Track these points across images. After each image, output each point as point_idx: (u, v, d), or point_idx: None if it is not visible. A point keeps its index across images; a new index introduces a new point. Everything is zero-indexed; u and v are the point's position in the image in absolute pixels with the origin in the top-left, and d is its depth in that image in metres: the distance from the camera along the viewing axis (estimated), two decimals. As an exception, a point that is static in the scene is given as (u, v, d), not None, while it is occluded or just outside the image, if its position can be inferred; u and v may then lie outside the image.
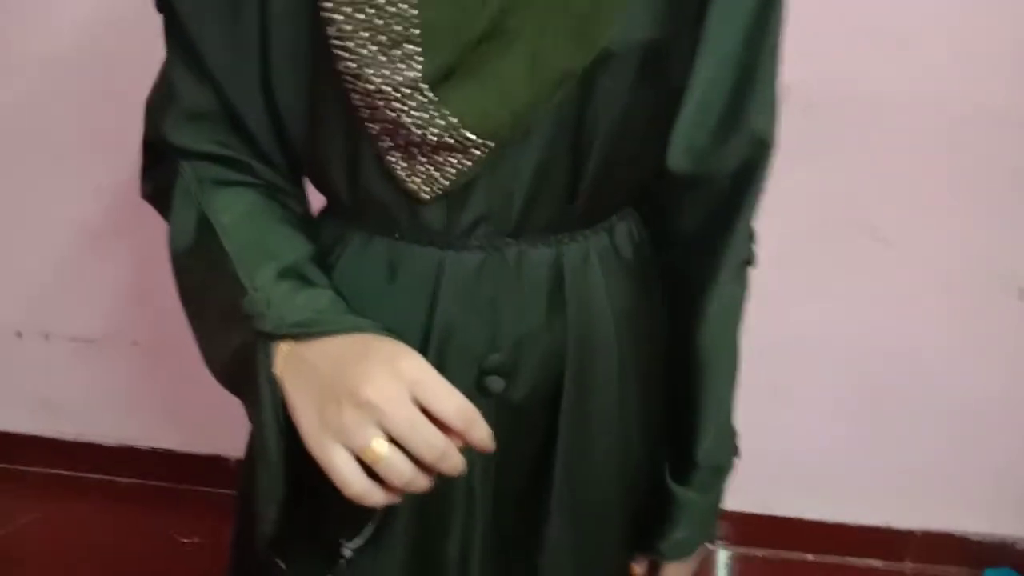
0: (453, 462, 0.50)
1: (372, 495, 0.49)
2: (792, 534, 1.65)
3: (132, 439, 1.76)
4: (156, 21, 0.62)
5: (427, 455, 0.48)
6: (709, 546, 1.67)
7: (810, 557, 1.67)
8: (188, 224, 0.61)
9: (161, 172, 0.65)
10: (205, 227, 0.60)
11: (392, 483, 0.49)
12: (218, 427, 1.53)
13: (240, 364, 0.55)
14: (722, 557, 1.68)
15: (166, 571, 1.61)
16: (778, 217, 1.39)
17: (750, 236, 0.68)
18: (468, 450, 0.65)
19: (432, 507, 0.68)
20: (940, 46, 1.31)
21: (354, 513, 0.64)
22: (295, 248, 0.59)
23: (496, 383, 0.62)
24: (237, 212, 0.60)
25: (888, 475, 1.59)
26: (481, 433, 0.50)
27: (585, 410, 0.66)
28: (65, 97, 1.49)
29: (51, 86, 1.48)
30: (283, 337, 0.52)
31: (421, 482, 0.50)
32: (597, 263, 0.64)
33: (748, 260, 0.69)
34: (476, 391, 0.62)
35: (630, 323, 0.67)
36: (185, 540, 1.67)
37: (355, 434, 0.48)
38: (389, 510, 0.65)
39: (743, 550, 1.68)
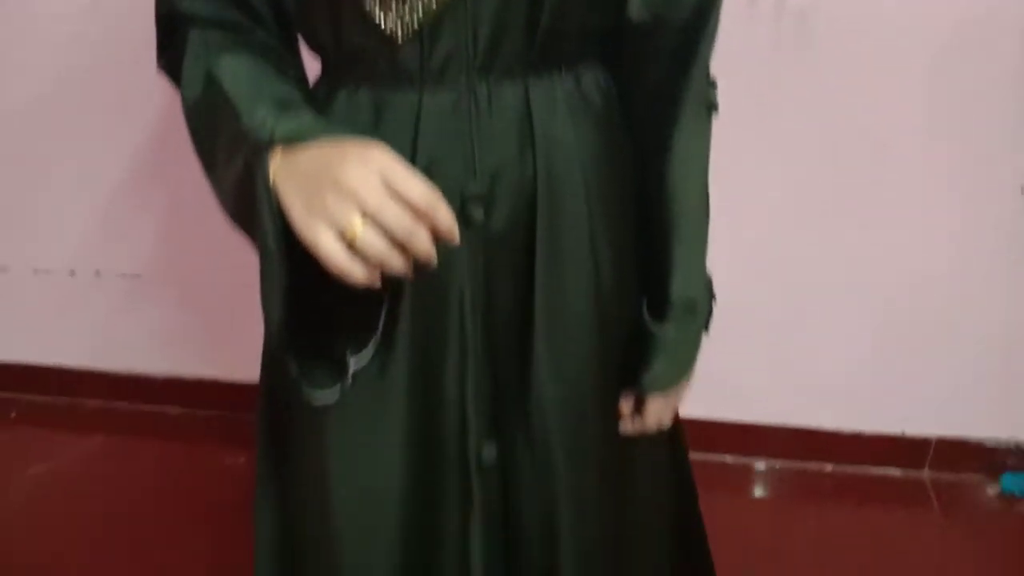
0: (422, 242, 0.56)
1: (354, 269, 0.56)
2: (811, 444, 1.69)
3: (179, 371, 1.89)
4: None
5: (397, 230, 0.55)
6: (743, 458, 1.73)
7: (829, 467, 1.71)
8: (197, 81, 0.69)
9: (173, 44, 0.73)
10: (211, 81, 0.68)
11: (370, 258, 0.56)
12: (259, 355, 1.64)
13: (244, 188, 0.63)
14: (759, 468, 1.73)
15: (214, 491, 1.72)
16: (790, 144, 1.46)
17: (709, 82, 0.74)
18: (456, 280, 0.73)
19: (428, 342, 0.76)
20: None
21: (357, 328, 0.72)
22: (287, 91, 0.67)
23: (477, 212, 0.69)
24: (238, 67, 0.68)
25: (904, 384, 1.62)
26: (444, 215, 0.57)
27: (557, 241, 0.72)
28: (109, 62, 1.60)
29: (99, 53, 1.59)
30: (275, 146, 0.60)
31: (396, 262, 0.57)
32: (564, 105, 0.70)
33: (710, 104, 0.74)
34: (461, 221, 0.69)
35: (597, 164, 0.73)
36: (230, 461, 1.78)
37: (336, 215, 0.55)
38: (389, 332, 0.73)
39: (764, 461, 1.73)
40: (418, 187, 0.56)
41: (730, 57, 1.28)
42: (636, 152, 0.76)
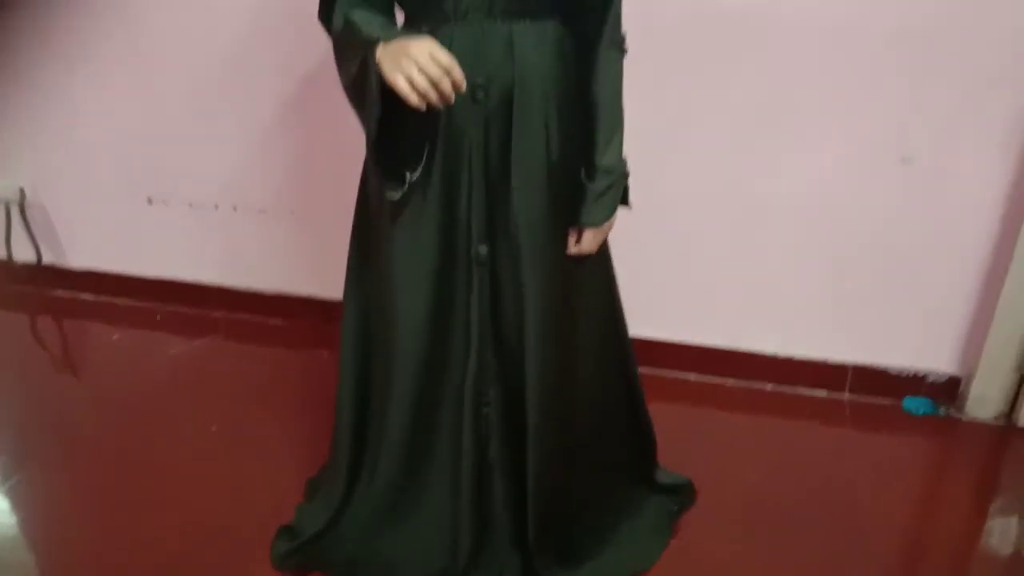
0: (446, 85, 1.13)
1: (411, 96, 1.13)
2: (756, 367, 2.17)
3: (285, 288, 2.49)
4: None
5: (434, 76, 1.11)
6: (701, 376, 2.20)
7: (769, 387, 2.19)
8: (340, 22, 1.30)
9: (327, 3, 1.34)
10: (348, 21, 1.28)
11: (419, 88, 1.12)
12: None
13: (361, 67, 1.21)
14: (712, 384, 2.20)
15: (304, 375, 2.30)
16: (728, 110, 1.98)
17: (620, 34, 1.31)
18: (468, 138, 1.30)
19: (451, 177, 1.33)
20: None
21: (413, 159, 1.30)
22: (386, 23, 1.27)
23: (480, 94, 1.27)
24: (362, 14, 1.28)
25: (827, 319, 2.09)
26: (458, 72, 1.13)
27: (524, 119, 1.28)
28: (254, 35, 2.19)
29: (249, 32, 2.22)
30: (379, 42, 1.19)
31: (432, 95, 1.14)
32: (535, 38, 1.27)
33: (620, 46, 1.31)
34: (472, 100, 1.27)
35: (551, 76, 1.29)
36: (318, 363, 2.36)
37: (405, 68, 1.12)
38: (428, 166, 1.30)
39: (716, 379, 2.22)
40: (446, 57, 1.13)
41: (690, 42, 1.85)
42: (577, 71, 1.33)
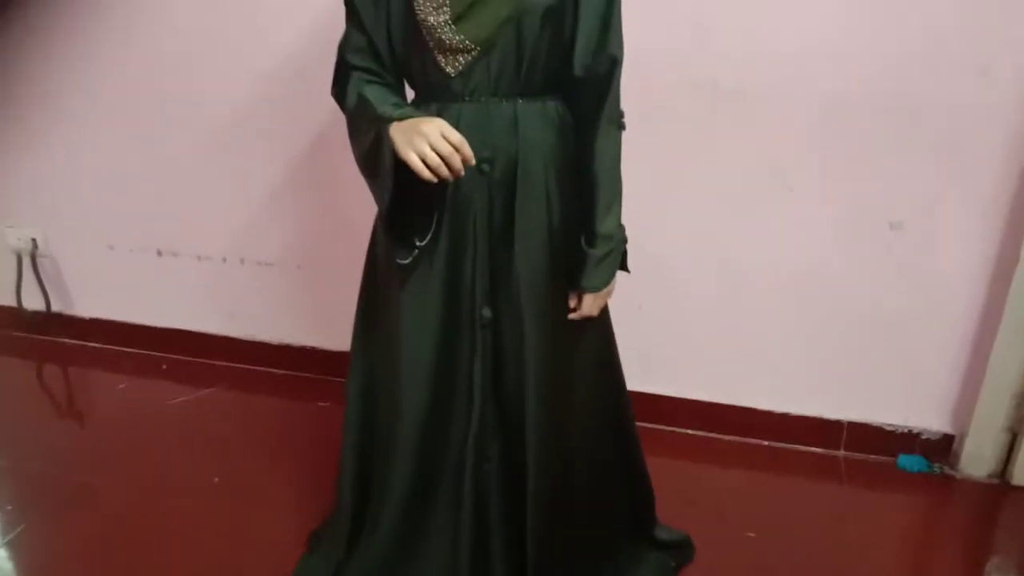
0: (456, 161, 1.20)
1: (424, 171, 1.19)
2: (752, 423, 2.21)
3: (287, 339, 2.54)
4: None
5: (444, 153, 1.18)
6: (699, 432, 2.24)
7: (765, 443, 2.22)
8: (353, 98, 1.36)
9: (341, 81, 1.41)
10: (361, 98, 1.35)
11: (431, 164, 1.18)
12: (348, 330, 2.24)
13: (374, 143, 1.28)
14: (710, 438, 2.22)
15: (306, 427, 2.33)
16: (721, 179, 2.05)
17: (619, 111, 1.37)
18: (473, 207, 1.36)
19: (457, 243, 1.38)
20: (831, 50, 1.87)
21: (422, 228, 1.35)
22: (398, 100, 1.33)
23: (486, 167, 1.33)
24: (375, 91, 1.35)
25: (823, 375, 2.13)
26: (467, 149, 1.20)
27: (527, 189, 1.34)
28: (266, 94, 2.27)
29: (262, 94, 2.30)
30: (393, 121, 1.25)
31: (444, 171, 1.20)
32: (537, 116, 1.34)
33: (619, 123, 1.38)
34: (478, 171, 1.33)
35: (552, 150, 1.35)
36: (317, 411, 2.40)
37: (417, 146, 1.18)
38: (436, 232, 1.36)
39: (714, 435, 2.25)
40: (457, 136, 1.20)
41: (685, 112, 1.93)
42: (577, 146, 1.39)
